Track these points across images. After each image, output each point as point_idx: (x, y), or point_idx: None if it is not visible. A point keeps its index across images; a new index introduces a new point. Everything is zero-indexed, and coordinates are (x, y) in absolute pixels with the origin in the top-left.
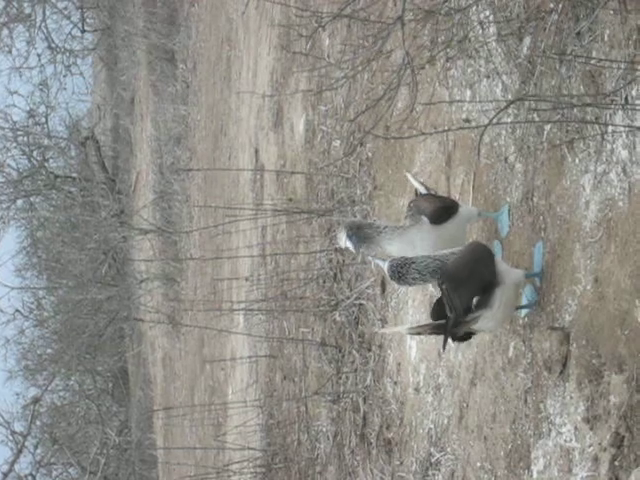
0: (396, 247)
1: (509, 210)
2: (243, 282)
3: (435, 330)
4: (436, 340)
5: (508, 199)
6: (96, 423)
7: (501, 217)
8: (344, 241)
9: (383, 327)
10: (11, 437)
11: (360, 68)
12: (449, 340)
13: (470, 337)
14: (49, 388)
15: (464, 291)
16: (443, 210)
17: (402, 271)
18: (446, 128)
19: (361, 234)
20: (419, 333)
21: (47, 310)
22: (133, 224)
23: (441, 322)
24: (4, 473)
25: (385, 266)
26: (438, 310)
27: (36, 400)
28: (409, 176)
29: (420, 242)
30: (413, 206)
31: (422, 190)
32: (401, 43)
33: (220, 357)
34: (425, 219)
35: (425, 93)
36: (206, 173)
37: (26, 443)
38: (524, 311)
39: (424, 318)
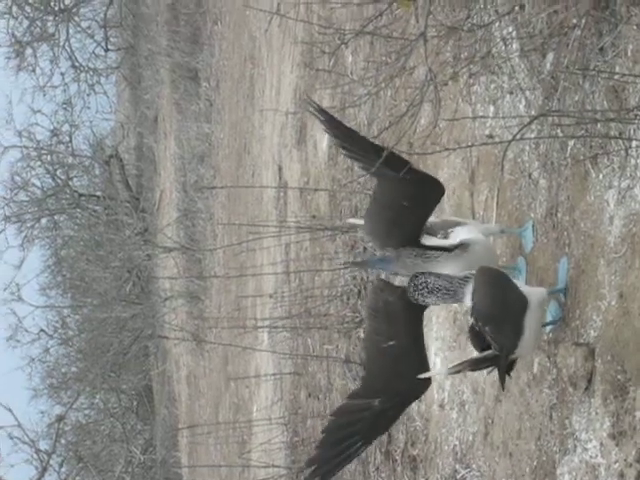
0: (449, 270)
1: (533, 226)
2: (267, 299)
3: (474, 366)
4: (461, 357)
5: (532, 215)
6: (121, 441)
7: (525, 233)
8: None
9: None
10: (36, 455)
11: (383, 85)
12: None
13: (514, 365)
14: (74, 406)
15: (507, 326)
16: None
17: (415, 283)
18: (469, 144)
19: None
20: (458, 371)
21: (72, 329)
22: (157, 242)
23: (482, 356)
24: None
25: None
26: (478, 341)
27: (61, 418)
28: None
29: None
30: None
31: None
32: (424, 59)
33: (244, 374)
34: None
35: (448, 109)
36: (230, 191)
37: (51, 461)
38: (549, 327)
39: (448, 335)
